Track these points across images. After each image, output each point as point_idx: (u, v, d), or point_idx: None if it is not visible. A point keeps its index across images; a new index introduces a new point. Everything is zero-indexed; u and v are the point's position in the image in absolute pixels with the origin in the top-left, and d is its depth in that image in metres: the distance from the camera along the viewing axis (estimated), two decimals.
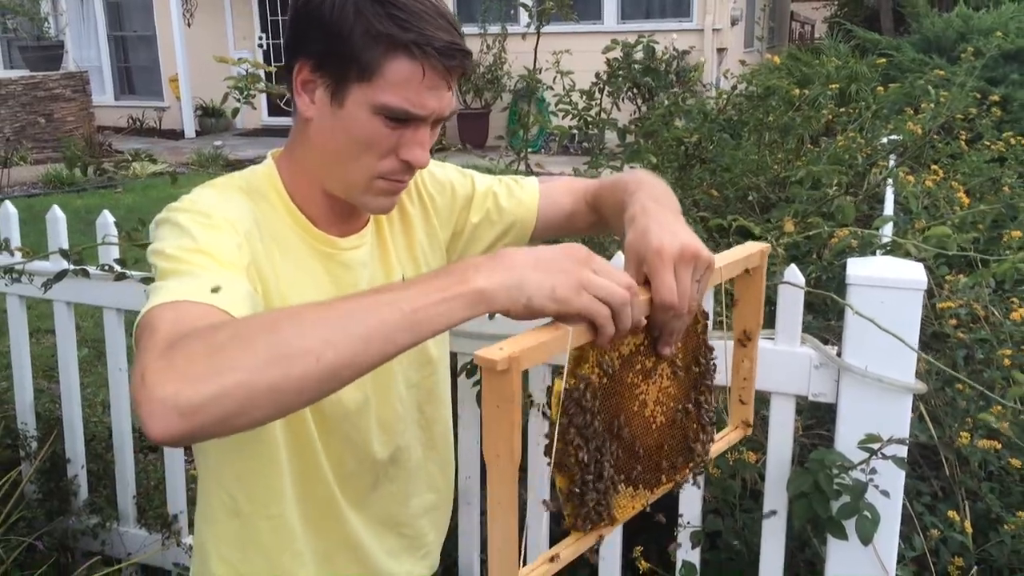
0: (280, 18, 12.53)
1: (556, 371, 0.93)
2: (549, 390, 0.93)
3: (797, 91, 2.92)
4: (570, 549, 0.98)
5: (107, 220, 2.08)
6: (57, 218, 2.16)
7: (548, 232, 1.40)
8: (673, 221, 1.04)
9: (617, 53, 2.10)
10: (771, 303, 1.59)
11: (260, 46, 12.71)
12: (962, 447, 1.75)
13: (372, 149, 1.08)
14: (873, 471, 1.43)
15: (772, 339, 1.60)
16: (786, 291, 1.57)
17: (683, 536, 1.70)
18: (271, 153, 1.21)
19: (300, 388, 0.79)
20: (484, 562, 1.99)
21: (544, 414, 0.94)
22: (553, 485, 0.97)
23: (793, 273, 1.56)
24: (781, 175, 2.57)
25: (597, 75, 2.20)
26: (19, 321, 2.36)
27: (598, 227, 1.37)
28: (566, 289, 0.88)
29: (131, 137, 12.36)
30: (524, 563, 0.93)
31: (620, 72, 2.12)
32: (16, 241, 2.21)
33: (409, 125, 1.07)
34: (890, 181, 2.70)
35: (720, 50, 10.99)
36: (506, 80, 10.78)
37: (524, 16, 11.78)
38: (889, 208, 2.69)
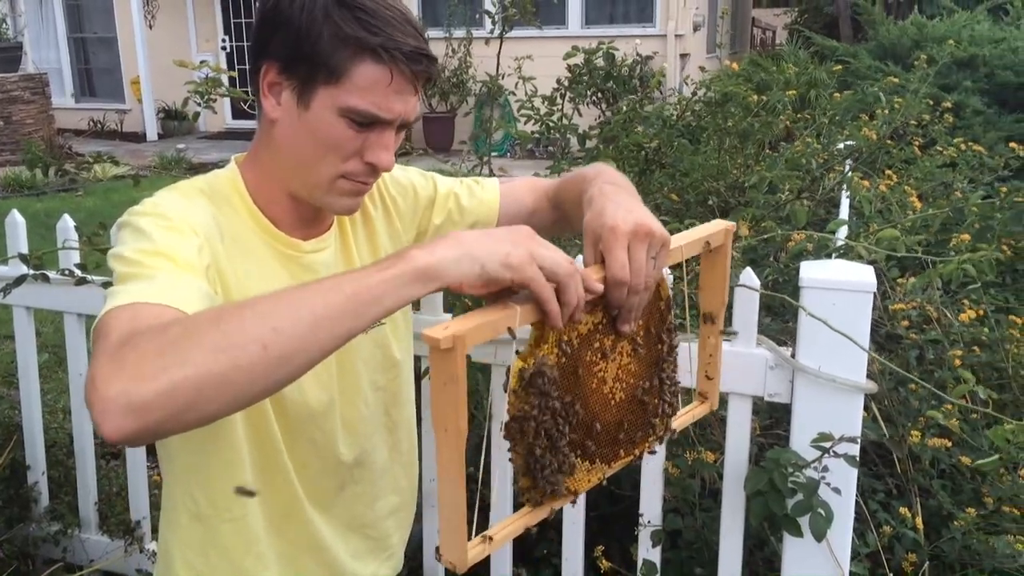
0: (243, 20, 12.44)
1: (519, 351, 0.96)
2: (508, 369, 0.95)
3: (755, 97, 2.98)
4: (521, 521, 1.01)
5: (67, 224, 2.07)
6: (16, 222, 2.14)
7: None
8: (629, 201, 1.06)
9: (578, 59, 2.13)
10: (727, 306, 1.63)
11: (223, 48, 12.60)
12: (913, 445, 1.80)
13: (337, 151, 1.09)
14: (825, 469, 1.47)
15: (729, 340, 1.63)
16: (742, 293, 1.61)
17: (643, 535, 1.73)
18: (234, 158, 1.22)
19: (250, 378, 0.79)
20: None
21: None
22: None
23: (749, 276, 1.60)
24: (740, 180, 2.62)
25: (559, 81, 2.23)
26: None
27: (561, 224, 1.39)
28: (518, 256, 0.89)
29: (92, 140, 12.19)
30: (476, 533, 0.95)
31: (583, 77, 2.15)
32: None
33: (375, 128, 1.08)
34: (846, 185, 2.76)
35: (683, 55, 11.09)
36: (472, 84, 10.80)
37: (489, 20, 11.82)
38: (844, 212, 2.75)
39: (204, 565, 1.21)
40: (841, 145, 3.12)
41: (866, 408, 1.99)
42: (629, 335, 1.06)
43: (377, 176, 1.14)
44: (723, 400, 1.71)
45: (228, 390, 0.78)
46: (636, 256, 1.00)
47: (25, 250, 2.11)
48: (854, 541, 1.69)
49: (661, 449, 1.72)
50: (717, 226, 1.18)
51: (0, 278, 2.04)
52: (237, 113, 12.54)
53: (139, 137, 12.23)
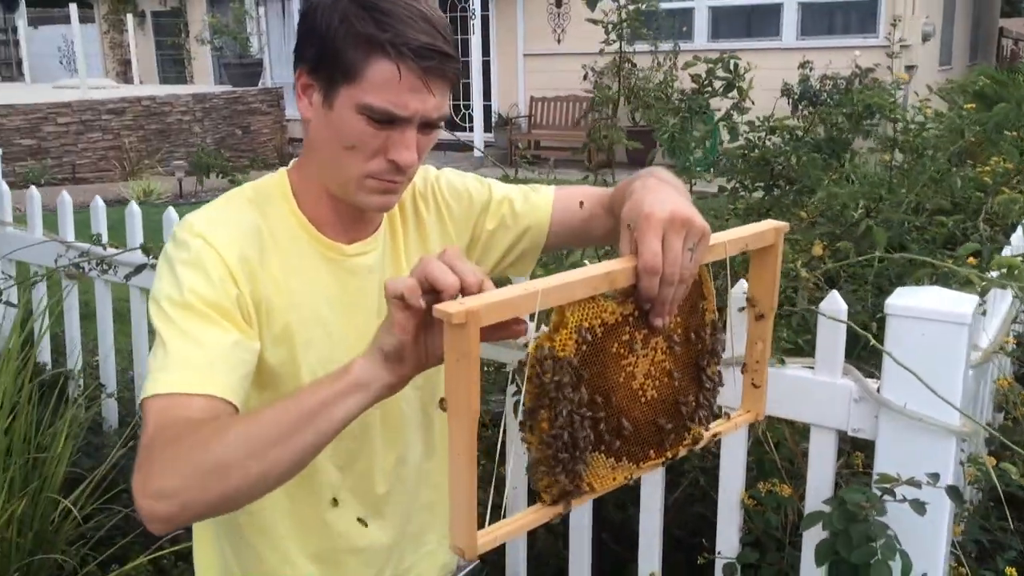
0: (459, 37, 12.95)
1: (537, 336, 0.93)
2: (526, 353, 0.91)
3: (930, 111, 2.75)
4: (536, 515, 0.97)
5: (172, 218, 2.32)
6: (171, 219, 2.39)
7: (564, 238, 1.39)
8: (671, 193, 1.02)
9: (699, 69, 2.07)
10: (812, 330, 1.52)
11: None
12: None
13: (359, 149, 1.11)
14: (882, 512, 1.34)
15: (811, 368, 1.53)
16: (826, 320, 1.50)
17: (717, 566, 1.65)
18: (292, 162, 1.28)
19: (244, 489, 0.93)
20: (531, 572, 2.00)
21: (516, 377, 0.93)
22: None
23: (834, 301, 1.49)
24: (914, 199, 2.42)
25: (682, 92, 2.17)
26: (140, 312, 2.59)
27: (617, 232, 1.36)
28: (390, 331, 0.94)
29: None
30: (489, 521, 0.92)
31: (707, 90, 2.09)
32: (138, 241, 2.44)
33: (395, 126, 1.09)
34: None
35: (909, 68, 10.40)
36: (677, 98, 10.67)
37: (699, 33, 11.65)
38: (1019, 237, 2.48)
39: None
40: None
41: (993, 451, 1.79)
42: (664, 331, 1.01)
43: (403, 175, 1.14)
44: (805, 432, 1.60)
45: (227, 503, 0.95)
46: (671, 245, 0.95)
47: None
48: None
49: (741, 477, 1.64)
50: (767, 225, 1.11)
51: (127, 263, 2.33)
52: (451, 124, 13.07)
53: None
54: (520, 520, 0.96)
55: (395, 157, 1.11)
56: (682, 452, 1.08)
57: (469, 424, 0.87)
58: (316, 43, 1.10)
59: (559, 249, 1.56)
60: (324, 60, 1.09)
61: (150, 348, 1.10)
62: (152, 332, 1.10)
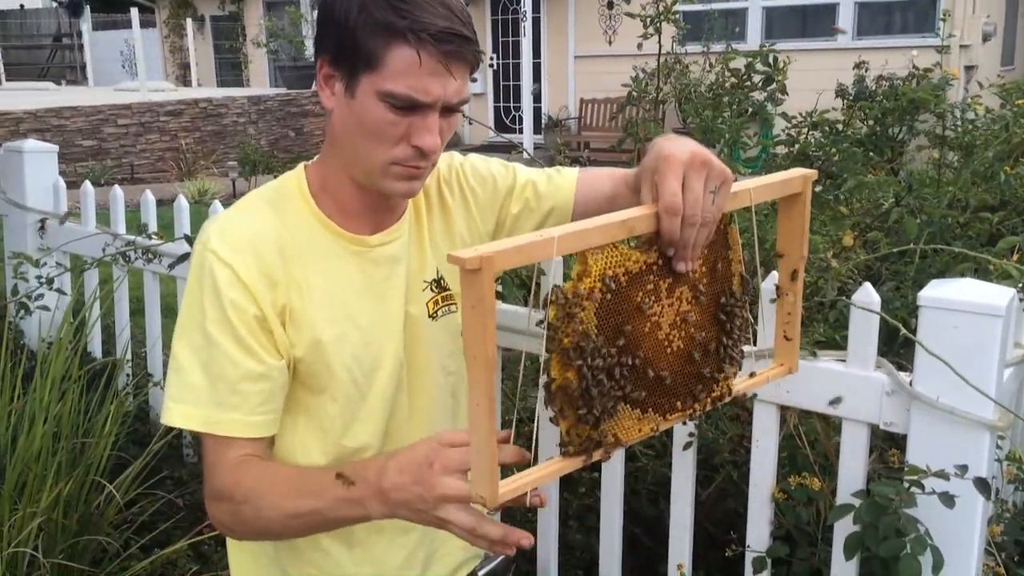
0: (511, 39, 13.00)
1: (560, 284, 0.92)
2: (547, 302, 0.91)
3: (981, 107, 2.69)
4: (557, 466, 0.96)
5: (217, 211, 2.36)
6: (182, 207, 2.50)
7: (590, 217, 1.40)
8: (692, 142, 1.02)
9: (739, 63, 2.06)
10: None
11: (490, 66, 13.24)
12: None
13: (383, 136, 1.12)
14: (910, 504, 1.32)
15: (843, 361, 1.51)
16: (858, 312, 1.48)
17: (747, 559, 1.64)
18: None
19: (279, 539, 1.24)
20: (562, 564, 2.00)
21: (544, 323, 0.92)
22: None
23: (866, 292, 1.47)
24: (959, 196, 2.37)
25: (721, 87, 2.16)
26: None
27: None
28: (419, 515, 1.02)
29: None
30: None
31: (745, 86, 2.07)
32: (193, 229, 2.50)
33: (417, 112, 1.10)
34: None
35: (968, 68, 10.16)
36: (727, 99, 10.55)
37: (752, 34, 11.51)
38: None
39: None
40: None
41: None
42: (689, 279, 1.00)
43: (427, 160, 1.15)
44: (836, 426, 1.58)
45: (272, 540, 1.26)
46: (691, 185, 0.95)
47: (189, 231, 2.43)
48: None
49: (771, 471, 1.62)
50: (795, 173, 1.09)
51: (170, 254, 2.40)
52: (500, 126, 13.10)
53: None
54: (543, 470, 0.94)
55: (418, 143, 1.12)
56: (710, 406, 1.07)
57: (486, 370, 0.86)
58: (335, 33, 1.11)
59: None
60: (344, 49, 1.10)
61: None
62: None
